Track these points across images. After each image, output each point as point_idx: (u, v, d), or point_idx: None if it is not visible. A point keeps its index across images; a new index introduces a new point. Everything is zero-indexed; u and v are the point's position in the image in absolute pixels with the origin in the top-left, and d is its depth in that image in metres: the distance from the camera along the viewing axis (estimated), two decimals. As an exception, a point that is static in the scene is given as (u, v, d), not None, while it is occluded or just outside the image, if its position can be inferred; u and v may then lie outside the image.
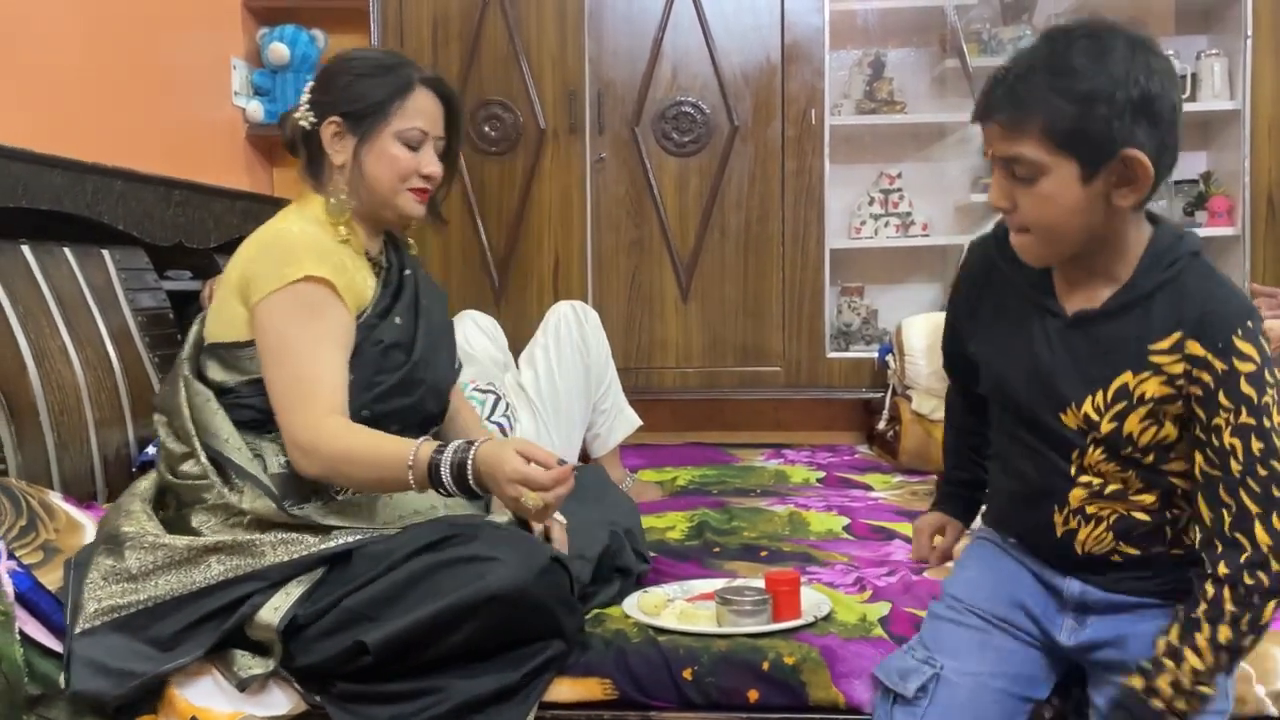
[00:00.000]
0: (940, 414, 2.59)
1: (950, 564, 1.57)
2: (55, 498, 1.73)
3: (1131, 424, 1.25)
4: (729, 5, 3.38)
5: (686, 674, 1.56)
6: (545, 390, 2.64)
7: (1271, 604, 1.20)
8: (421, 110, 1.73)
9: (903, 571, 1.91)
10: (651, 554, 1.96)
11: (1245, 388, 1.18)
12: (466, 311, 2.88)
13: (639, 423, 2.76)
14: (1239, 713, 1.50)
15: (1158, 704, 1.23)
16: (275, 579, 1.55)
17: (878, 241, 3.63)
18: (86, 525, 1.70)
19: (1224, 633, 1.20)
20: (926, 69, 3.74)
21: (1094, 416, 1.26)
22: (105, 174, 2.15)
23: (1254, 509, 1.19)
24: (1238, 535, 1.20)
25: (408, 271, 1.82)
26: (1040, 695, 1.41)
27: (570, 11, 3.38)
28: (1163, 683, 1.23)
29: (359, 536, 1.59)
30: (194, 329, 1.77)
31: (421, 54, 3.39)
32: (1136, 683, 1.25)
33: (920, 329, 3.10)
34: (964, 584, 1.45)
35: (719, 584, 1.77)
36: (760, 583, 1.70)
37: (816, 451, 3.35)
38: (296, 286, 1.61)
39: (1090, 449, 1.28)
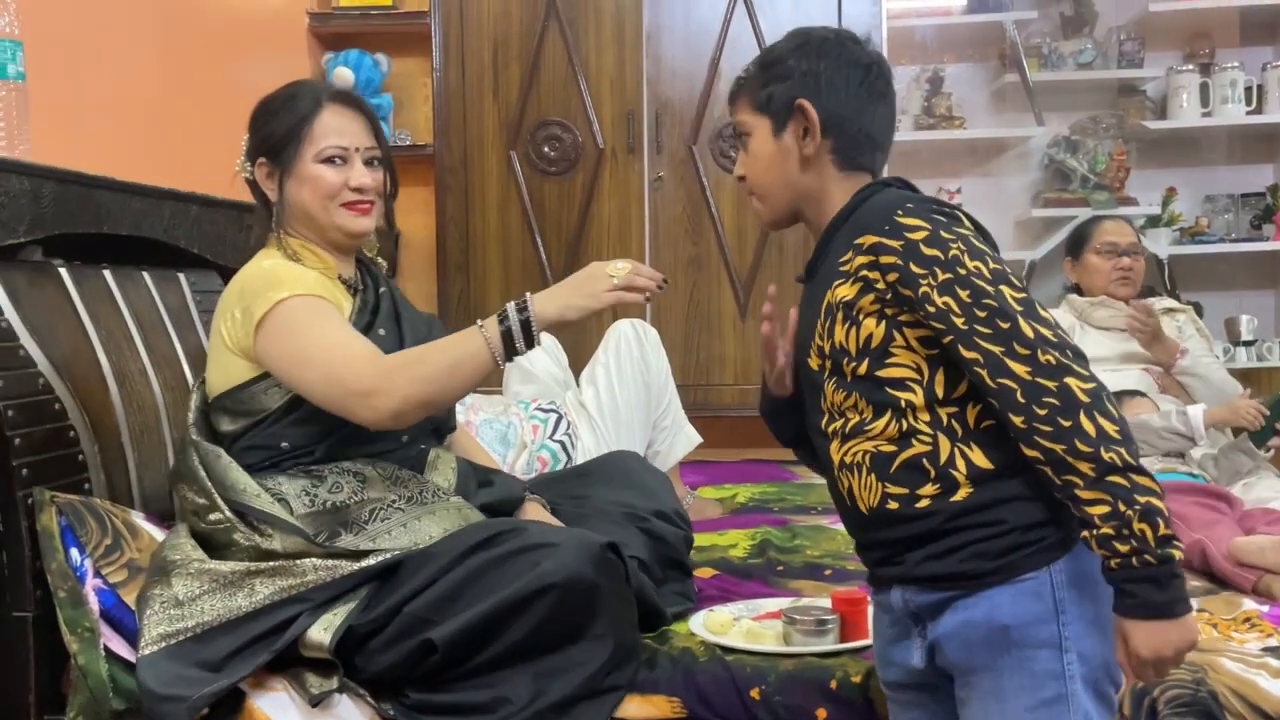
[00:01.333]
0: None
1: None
2: (138, 517, 1.78)
3: (839, 334, 1.31)
4: (786, 24, 3.34)
5: (754, 693, 1.57)
6: (606, 408, 2.66)
7: (1080, 413, 1.15)
8: (335, 128, 1.75)
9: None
10: (699, 571, 1.98)
11: (927, 250, 1.24)
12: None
13: (699, 440, 2.78)
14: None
15: (1113, 560, 1.15)
16: (319, 600, 1.58)
17: (937, 257, 3.60)
18: (166, 543, 1.74)
19: (1079, 471, 1.15)
20: (985, 84, 3.73)
21: (819, 342, 1.33)
22: (181, 199, 2.21)
23: (995, 349, 1.19)
24: (1001, 381, 1.19)
25: (383, 289, 1.84)
26: None
27: (628, 32, 3.42)
28: (1097, 543, 1.16)
29: (396, 554, 1.62)
30: (195, 396, 1.79)
31: (483, 75, 3.44)
32: (1111, 561, 1.17)
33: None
34: (874, 651, 1.45)
35: (785, 603, 1.78)
36: (826, 602, 1.70)
37: (877, 468, 3.33)
38: (285, 304, 1.64)
39: (827, 384, 1.33)
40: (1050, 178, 3.69)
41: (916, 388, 1.27)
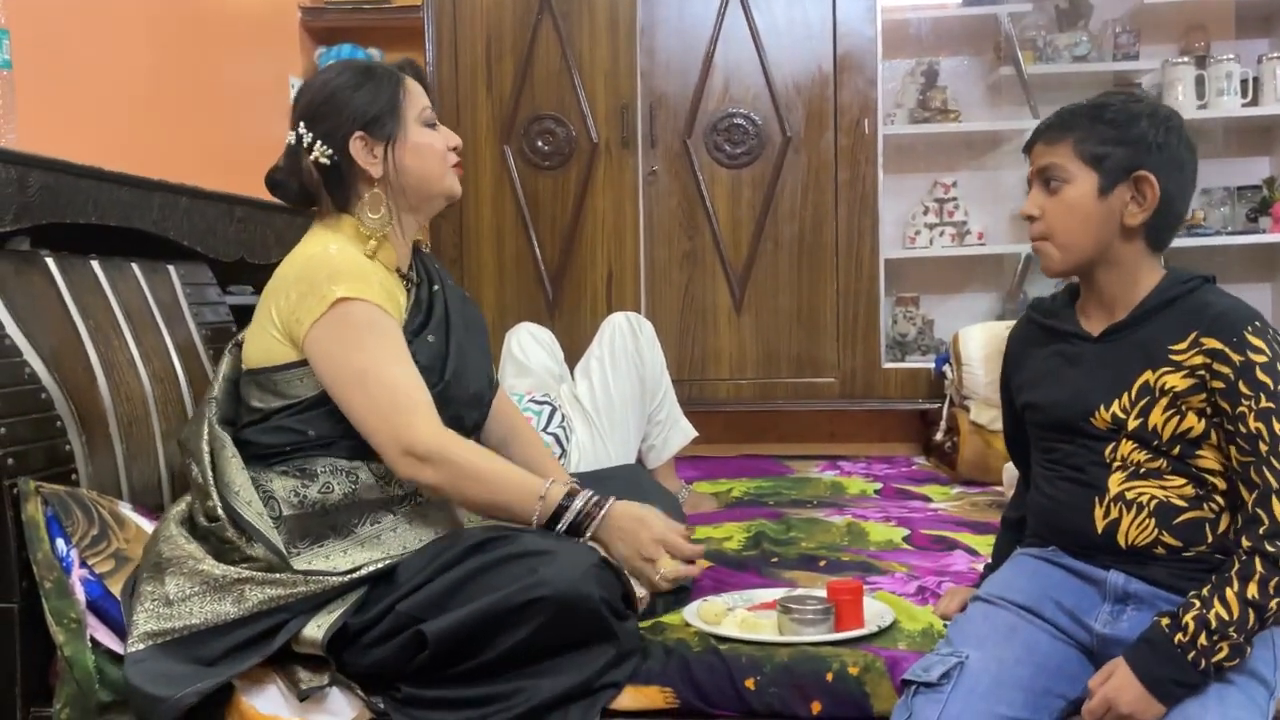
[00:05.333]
0: (999, 424, 2.58)
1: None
2: (125, 508, 1.76)
3: (1155, 417, 1.40)
4: (780, 17, 3.38)
5: (749, 683, 1.55)
6: (600, 402, 2.64)
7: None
8: (418, 92, 1.77)
9: (965, 581, 1.88)
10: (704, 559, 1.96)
11: (1262, 376, 1.34)
12: (523, 324, 2.89)
13: (694, 434, 2.76)
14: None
15: (1181, 638, 1.31)
16: (308, 608, 1.56)
17: (933, 251, 3.60)
18: (154, 535, 1.73)
19: (1251, 589, 1.30)
20: (981, 77, 3.72)
21: (1120, 415, 1.42)
22: (171, 191, 2.19)
23: (1275, 484, 1.32)
24: (1259, 510, 1.32)
25: (436, 286, 1.81)
26: (1075, 694, 1.40)
27: (622, 26, 3.40)
28: (1189, 618, 1.31)
29: (385, 563, 1.60)
30: (225, 363, 1.76)
31: (476, 69, 3.43)
32: (1164, 620, 1.33)
33: (978, 338, 3.06)
34: (997, 583, 1.52)
35: (780, 593, 1.76)
36: (822, 592, 1.69)
37: (873, 463, 3.32)
38: (342, 307, 1.61)
39: (1123, 442, 1.43)
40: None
41: (1221, 480, 1.40)
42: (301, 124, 1.73)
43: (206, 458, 1.64)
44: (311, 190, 1.76)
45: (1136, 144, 1.40)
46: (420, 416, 1.60)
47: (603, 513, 1.62)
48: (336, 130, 1.71)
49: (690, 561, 1.67)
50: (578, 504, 1.62)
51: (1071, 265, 1.46)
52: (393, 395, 1.60)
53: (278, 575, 1.56)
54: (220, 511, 1.60)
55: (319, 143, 1.71)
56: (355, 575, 1.58)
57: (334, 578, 1.57)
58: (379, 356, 1.61)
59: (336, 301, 1.60)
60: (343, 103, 1.71)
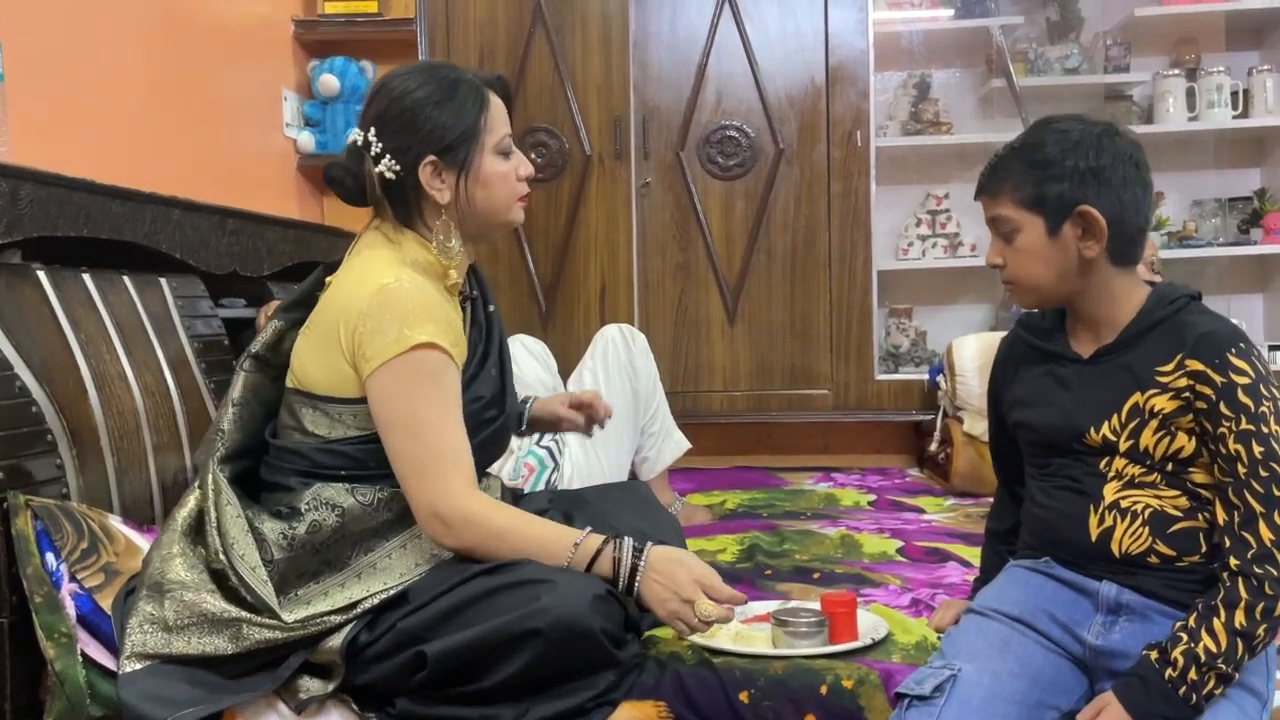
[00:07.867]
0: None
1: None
2: (115, 521, 1.75)
3: (1146, 438, 1.39)
4: (773, 29, 3.39)
5: (743, 697, 1.55)
6: (594, 414, 2.63)
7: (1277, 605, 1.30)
8: (501, 117, 1.68)
9: (959, 593, 1.88)
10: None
11: (1243, 398, 1.33)
12: (517, 336, 2.89)
13: (688, 446, 2.76)
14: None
15: (1170, 673, 1.30)
16: (308, 644, 1.55)
17: (925, 262, 3.61)
18: (145, 549, 1.71)
19: (1238, 618, 1.29)
20: (973, 89, 3.73)
21: (1111, 438, 1.41)
22: (163, 204, 2.18)
23: (1258, 508, 1.31)
24: (1245, 533, 1.31)
25: (492, 307, 1.79)
26: (1068, 705, 1.40)
27: (615, 38, 3.41)
28: (1177, 653, 1.30)
29: (385, 595, 1.58)
30: (237, 386, 1.70)
31: (468, 83, 3.43)
32: (1152, 654, 1.32)
33: (971, 349, 3.07)
34: (989, 595, 1.52)
35: (773, 606, 1.76)
36: (815, 604, 1.68)
37: (866, 474, 3.32)
38: (416, 353, 1.55)
39: (1116, 458, 1.42)
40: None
41: (1216, 494, 1.37)
42: (372, 130, 1.63)
43: (211, 502, 1.59)
44: (369, 193, 1.66)
45: (1070, 178, 1.38)
46: (457, 482, 1.55)
47: (645, 561, 1.55)
48: (408, 149, 1.62)
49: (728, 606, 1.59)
50: (626, 556, 1.55)
51: (1046, 300, 1.47)
52: (438, 454, 1.55)
53: (276, 620, 1.53)
54: (223, 557, 1.56)
55: (388, 156, 1.62)
56: (354, 613, 1.56)
57: (334, 616, 1.55)
58: (438, 411, 1.56)
59: (412, 347, 1.54)
60: (421, 120, 1.61)
